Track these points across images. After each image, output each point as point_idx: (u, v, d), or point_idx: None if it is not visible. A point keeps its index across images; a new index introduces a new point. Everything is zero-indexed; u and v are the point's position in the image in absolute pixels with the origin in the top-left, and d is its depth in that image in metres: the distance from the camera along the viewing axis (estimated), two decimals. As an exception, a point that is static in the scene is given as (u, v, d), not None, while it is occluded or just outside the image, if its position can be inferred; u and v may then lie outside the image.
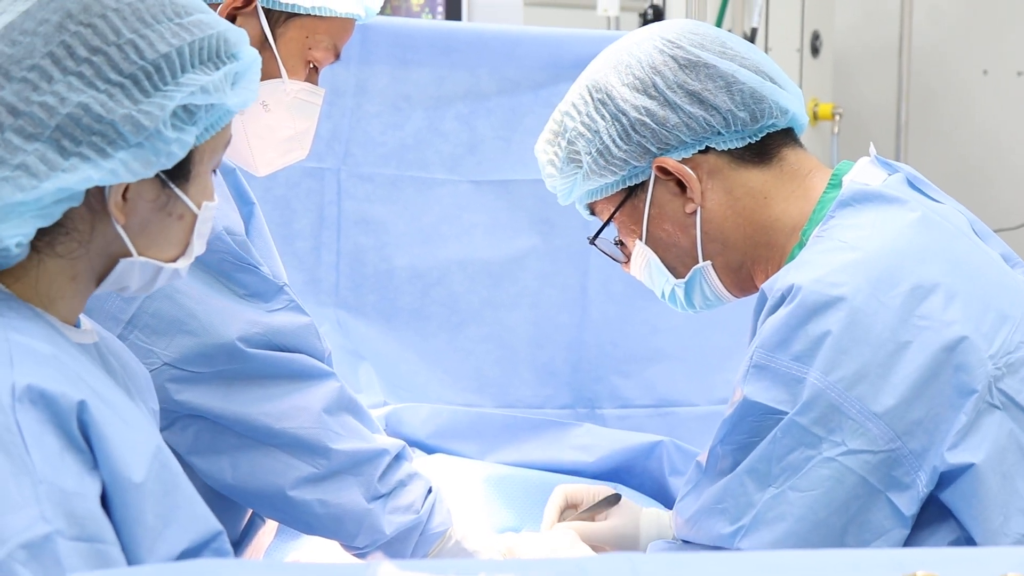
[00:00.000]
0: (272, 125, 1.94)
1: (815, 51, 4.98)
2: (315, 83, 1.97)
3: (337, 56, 1.98)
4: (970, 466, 1.55)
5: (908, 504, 1.56)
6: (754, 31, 4.33)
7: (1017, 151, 5.37)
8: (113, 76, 1.35)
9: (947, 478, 1.56)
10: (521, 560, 1.75)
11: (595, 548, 2.02)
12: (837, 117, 4.94)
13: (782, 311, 1.60)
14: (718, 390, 2.76)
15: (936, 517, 1.59)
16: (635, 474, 2.53)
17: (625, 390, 2.78)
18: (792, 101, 1.80)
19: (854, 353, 1.56)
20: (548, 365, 2.79)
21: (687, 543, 1.69)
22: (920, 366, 1.56)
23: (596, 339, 2.79)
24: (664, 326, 2.76)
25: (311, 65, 1.96)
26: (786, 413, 1.57)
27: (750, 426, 1.60)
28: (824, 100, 5.01)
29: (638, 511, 2.07)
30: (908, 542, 1.59)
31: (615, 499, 2.08)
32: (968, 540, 1.57)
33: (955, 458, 1.56)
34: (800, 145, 1.83)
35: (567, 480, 2.36)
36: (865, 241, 1.64)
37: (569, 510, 2.09)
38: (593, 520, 2.07)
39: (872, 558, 1.30)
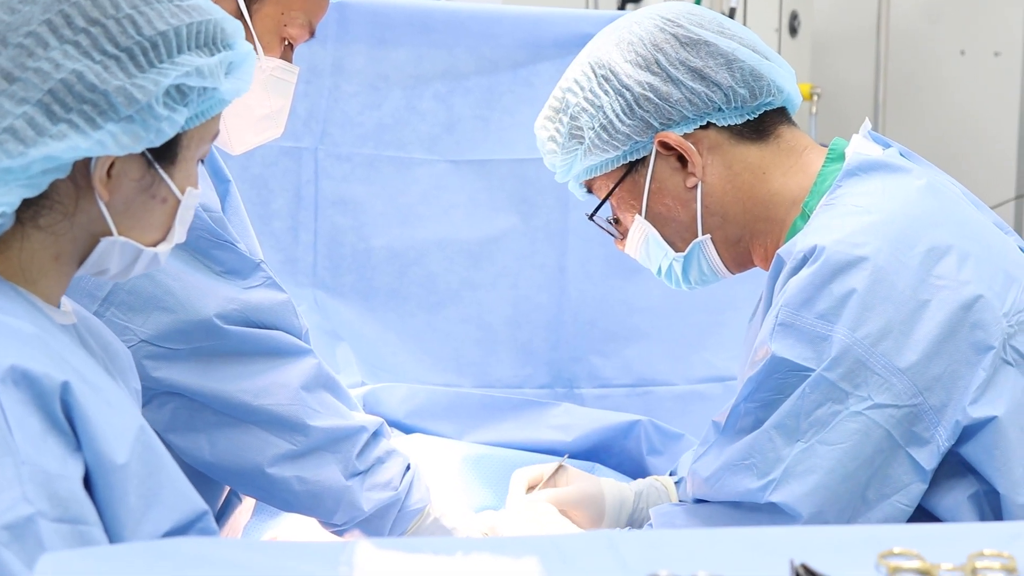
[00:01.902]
0: (247, 103, 1.93)
1: (793, 31, 4.98)
2: (289, 61, 1.97)
3: (312, 33, 1.97)
4: (992, 419, 1.60)
5: (928, 459, 1.61)
6: (732, 11, 4.32)
7: (994, 131, 5.38)
8: (109, 48, 1.36)
9: (969, 432, 1.61)
10: (499, 538, 1.75)
11: (567, 512, 2.05)
12: (815, 97, 4.94)
13: (805, 271, 1.64)
14: (696, 369, 2.77)
15: (955, 472, 1.63)
16: (613, 453, 2.54)
17: (603, 370, 2.78)
18: (787, 80, 1.85)
19: (879, 310, 1.61)
20: (527, 345, 2.79)
21: (700, 502, 1.72)
22: (939, 323, 1.61)
23: (574, 319, 2.79)
24: (642, 306, 2.77)
25: (286, 42, 1.95)
26: (811, 370, 1.61)
27: (776, 383, 1.63)
28: (802, 80, 5.01)
29: (590, 475, 2.12)
30: (927, 497, 1.63)
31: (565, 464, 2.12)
32: (988, 493, 1.62)
33: (977, 412, 1.60)
34: (794, 124, 1.88)
35: (545, 460, 2.36)
36: (879, 205, 1.68)
37: (531, 491, 2.11)
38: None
39: (850, 535, 1.31)
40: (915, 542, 1.20)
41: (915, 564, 1.16)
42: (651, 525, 1.80)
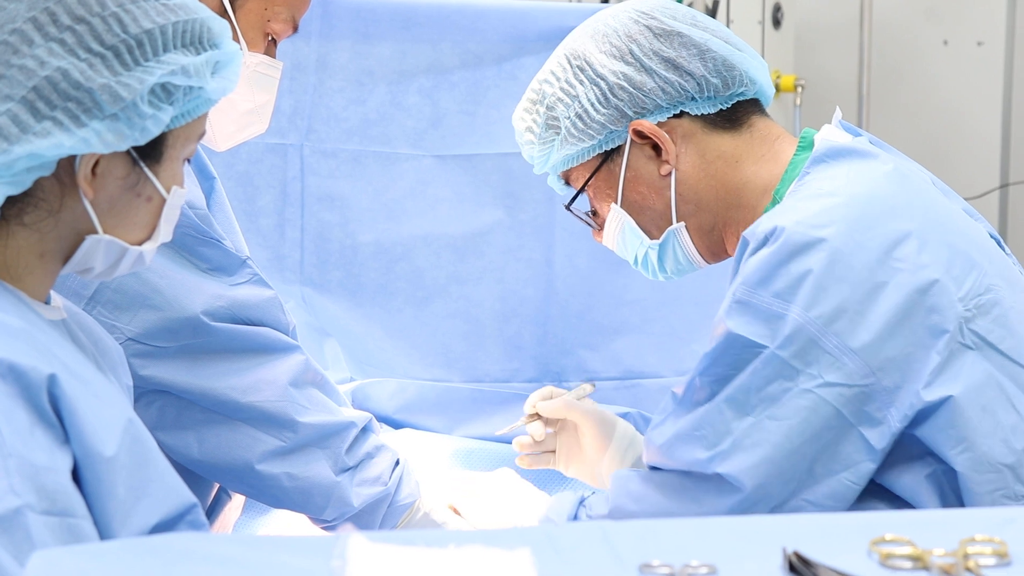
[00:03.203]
0: (232, 98, 1.93)
1: (777, 23, 4.98)
2: (273, 56, 1.97)
3: (295, 28, 1.97)
4: (947, 400, 1.62)
5: (879, 438, 1.62)
6: (716, 3, 4.32)
7: (978, 121, 5.39)
8: (95, 46, 1.36)
9: (924, 414, 1.62)
10: (491, 530, 1.75)
11: (579, 425, 2.10)
12: (799, 89, 4.94)
13: (764, 251, 1.66)
14: (684, 362, 2.77)
15: (912, 453, 1.65)
16: (603, 446, 2.53)
17: (592, 363, 2.78)
18: (760, 72, 1.88)
19: (833, 291, 1.63)
20: (514, 339, 2.78)
21: (655, 469, 1.74)
22: (895, 305, 1.63)
23: (562, 312, 2.78)
24: (630, 298, 2.77)
25: (269, 38, 1.95)
26: (765, 347, 1.63)
27: (730, 359, 1.66)
28: (786, 72, 5.01)
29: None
30: (884, 479, 1.65)
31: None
32: (946, 472, 1.64)
33: (931, 395, 1.62)
34: (767, 115, 1.91)
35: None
36: (842, 189, 1.71)
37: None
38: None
39: (842, 522, 1.31)
40: (907, 528, 1.20)
41: (907, 550, 1.16)
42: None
